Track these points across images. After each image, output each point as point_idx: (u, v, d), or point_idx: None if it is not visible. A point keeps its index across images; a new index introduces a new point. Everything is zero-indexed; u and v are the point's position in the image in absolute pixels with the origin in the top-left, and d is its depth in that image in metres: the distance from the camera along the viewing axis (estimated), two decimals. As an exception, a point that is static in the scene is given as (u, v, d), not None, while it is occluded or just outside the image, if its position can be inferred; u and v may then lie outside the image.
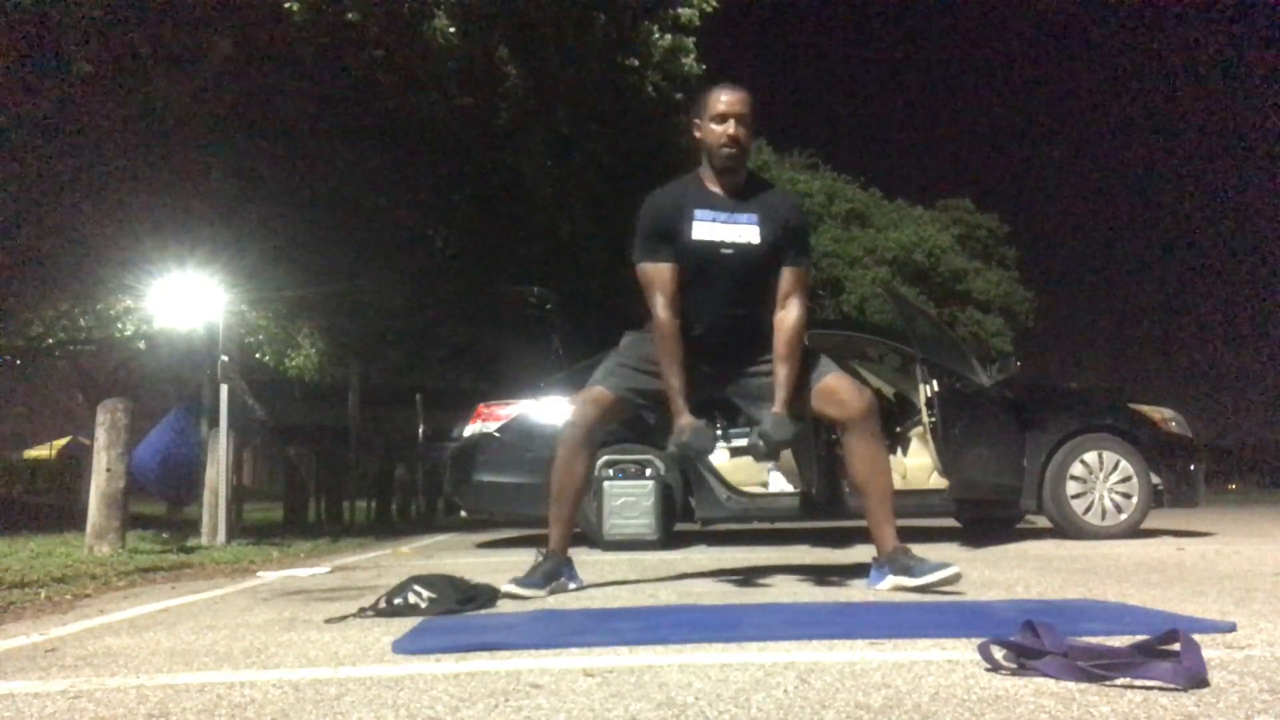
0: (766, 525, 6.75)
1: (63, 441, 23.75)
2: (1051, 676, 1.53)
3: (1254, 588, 2.69)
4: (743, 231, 2.81)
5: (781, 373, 2.79)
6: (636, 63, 9.26)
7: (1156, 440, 5.32)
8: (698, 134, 2.88)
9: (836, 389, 2.81)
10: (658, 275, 2.83)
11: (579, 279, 11.24)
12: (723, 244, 2.80)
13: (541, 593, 2.88)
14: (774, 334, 2.83)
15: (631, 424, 3.07)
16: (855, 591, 2.82)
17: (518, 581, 2.89)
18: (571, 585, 3.05)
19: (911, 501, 5.24)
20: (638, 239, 2.90)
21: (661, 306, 2.81)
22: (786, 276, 2.85)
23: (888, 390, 6.42)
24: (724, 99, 2.82)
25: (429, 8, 7.43)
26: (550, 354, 6.35)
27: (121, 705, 1.54)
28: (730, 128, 2.78)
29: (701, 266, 2.81)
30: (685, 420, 2.79)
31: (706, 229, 2.80)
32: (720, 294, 2.84)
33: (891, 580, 2.74)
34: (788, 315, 2.82)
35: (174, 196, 7.48)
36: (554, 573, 2.97)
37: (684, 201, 2.84)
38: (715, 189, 2.86)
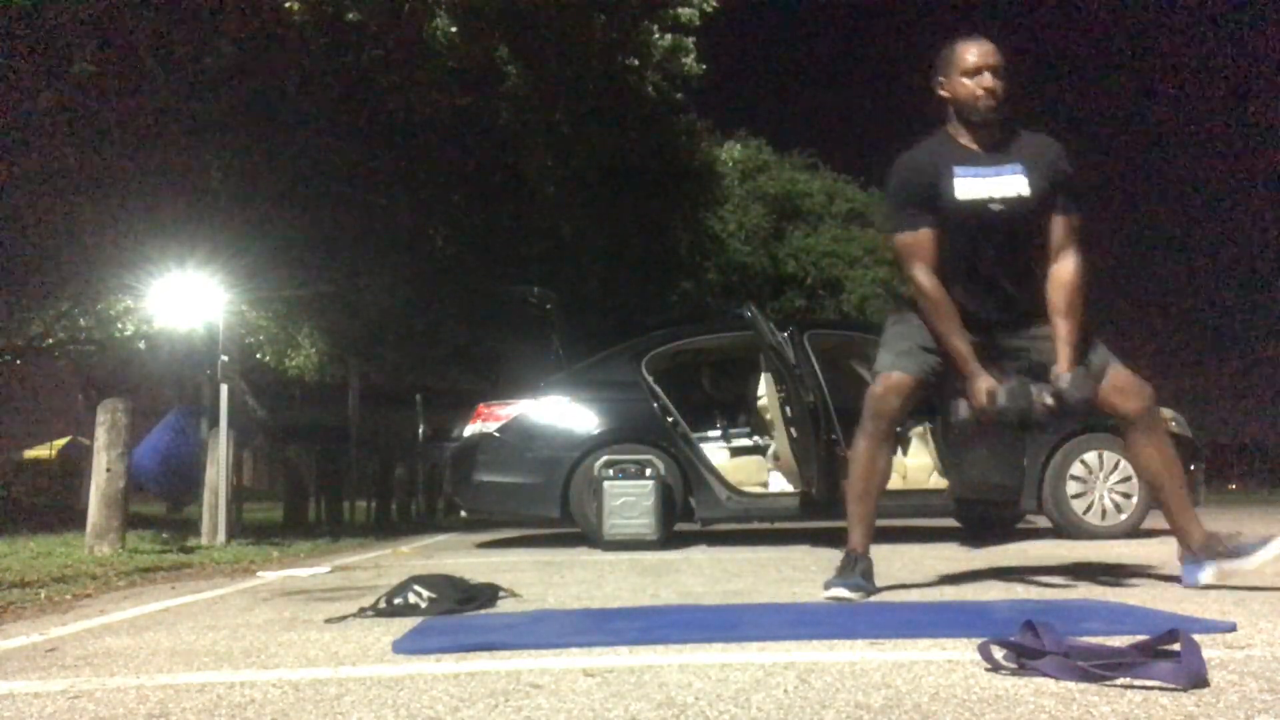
0: (766, 525, 6.75)
1: (63, 441, 23.74)
2: (1051, 676, 1.53)
3: (1254, 588, 2.69)
4: (1010, 183, 2.65)
5: (1064, 327, 2.61)
6: (636, 63, 9.26)
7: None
8: (944, 92, 2.71)
9: (1126, 383, 2.67)
10: (919, 244, 2.67)
11: (579, 279, 11.24)
12: (990, 200, 2.64)
13: (865, 593, 2.71)
14: (1050, 287, 2.66)
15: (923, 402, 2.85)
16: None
17: (845, 584, 2.70)
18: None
19: (911, 501, 5.24)
20: (889, 206, 2.76)
21: (925, 275, 2.66)
22: (1059, 226, 2.68)
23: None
24: (974, 50, 2.65)
25: (429, 8, 7.43)
26: (550, 354, 6.35)
27: (121, 705, 1.54)
28: (986, 79, 2.62)
29: (968, 227, 2.66)
30: (985, 383, 2.59)
31: (971, 186, 2.64)
32: (988, 253, 2.69)
33: (1214, 569, 2.61)
34: (1064, 266, 2.66)
35: (174, 196, 7.47)
36: (869, 572, 2.80)
37: (941, 160, 2.68)
38: (971, 144, 2.69)
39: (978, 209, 2.66)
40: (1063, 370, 2.59)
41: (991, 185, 2.66)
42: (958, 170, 2.67)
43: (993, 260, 2.71)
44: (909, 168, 2.73)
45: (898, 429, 5.92)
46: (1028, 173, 2.67)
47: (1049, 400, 2.57)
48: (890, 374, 2.77)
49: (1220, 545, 2.64)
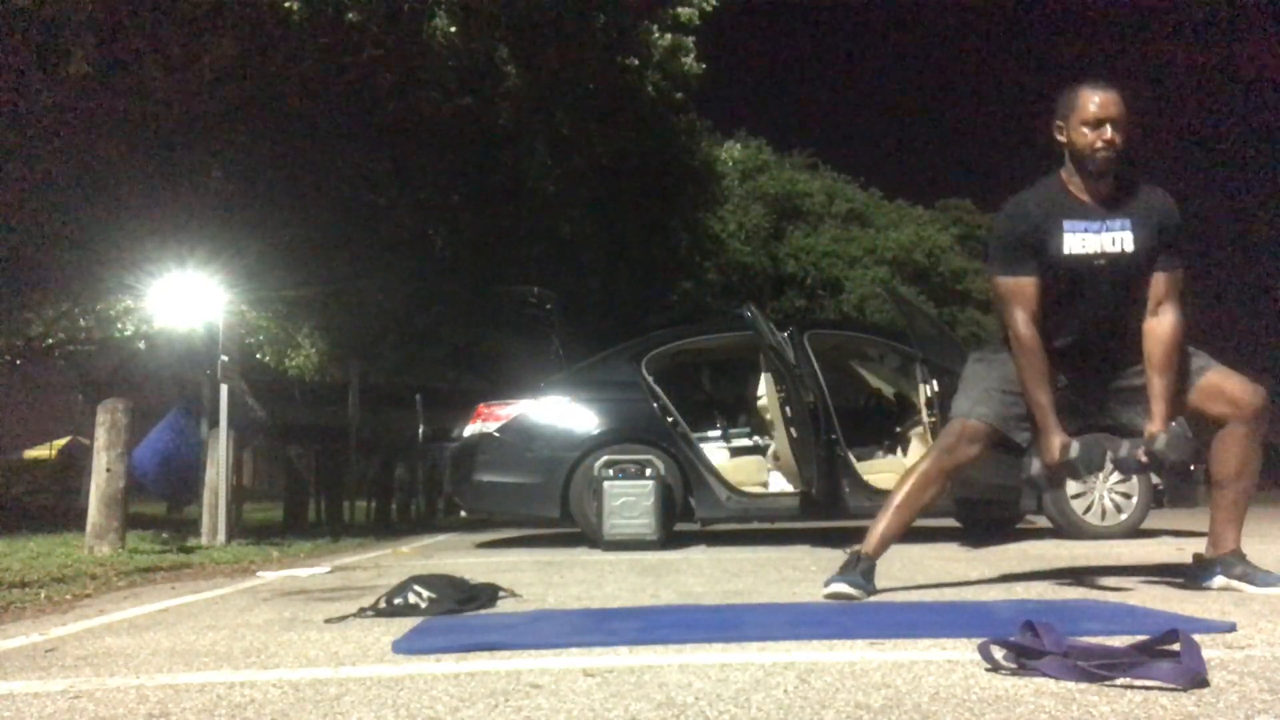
0: (766, 525, 6.75)
1: (63, 441, 23.70)
2: (1051, 676, 1.53)
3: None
4: (1116, 239, 2.64)
5: (1159, 384, 2.61)
6: (636, 62, 9.25)
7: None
8: (1061, 136, 2.69)
9: (1224, 387, 2.66)
10: (1021, 290, 2.67)
11: (579, 279, 11.24)
12: (1096, 255, 2.64)
13: (864, 592, 2.73)
14: (1147, 341, 2.64)
15: (1001, 445, 2.85)
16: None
17: (846, 580, 2.73)
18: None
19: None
20: (996, 249, 2.76)
21: (1024, 323, 2.65)
22: (1160, 281, 2.66)
23: (888, 390, 6.42)
24: (1097, 100, 2.61)
25: (429, 8, 7.42)
26: (550, 354, 6.35)
27: (121, 705, 1.54)
28: (1106, 132, 2.59)
29: (1071, 280, 2.66)
30: (1060, 439, 2.60)
31: (1079, 240, 2.64)
32: (1089, 305, 2.69)
33: (1223, 581, 2.66)
34: (1162, 321, 2.64)
35: (174, 196, 7.47)
36: (871, 572, 2.81)
37: (1052, 211, 2.66)
38: (1084, 196, 2.67)
39: (1083, 264, 2.66)
40: (1156, 429, 2.59)
41: (1098, 241, 2.65)
42: (1067, 224, 2.66)
43: (1095, 309, 2.72)
44: (1020, 214, 2.72)
45: (895, 433, 5.90)
46: (1135, 229, 2.65)
47: (1143, 458, 2.58)
48: (967, 420, 2.79)
49: (1241, 566, 2.67)
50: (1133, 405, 2.74)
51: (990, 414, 2.76)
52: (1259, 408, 2.65)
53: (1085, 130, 2.62)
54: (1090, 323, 2.73)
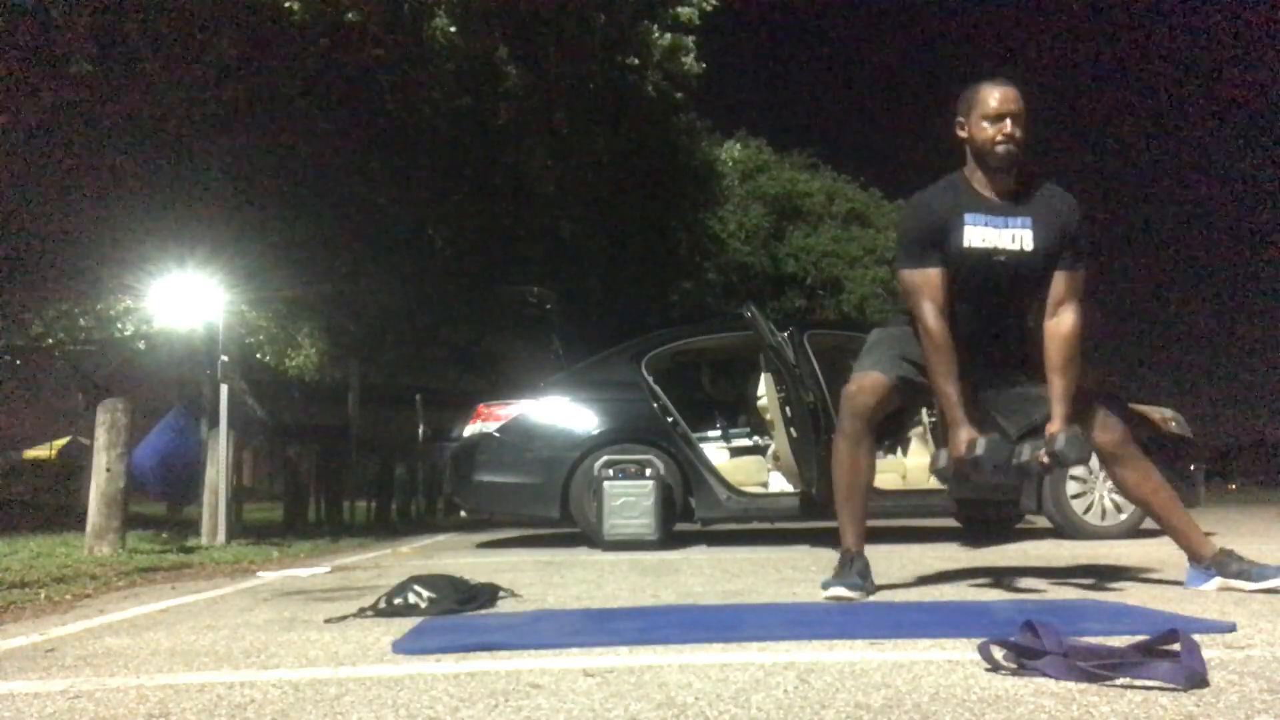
0: (766, 525, 6.75)
1: (63, 441, 23.71)
2: (1051, 676, 1.53)
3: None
4: (1016, 236, 2.66)
5: (1059, 384, 2.63)
6: (636, 62, 9.26)
7: (1156, 440, 5.32)
8: (962, 133, 2.72)
9: (1092, 420, 2.69)
10: (926, 282, 2.69)
11: (579, 279, 11.25)
12: (995, 250, 2.66)
13: (863, 591, 2.72)
14: (1047, 342, 2.67)
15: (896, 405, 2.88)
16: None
17: (843, 583, 2.71)
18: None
19: (911, 501, 5.24)
20: (901, 244, 2.77)
21: (931, 315, 2.66)
22: (1060, 281, 2.69)
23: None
24: (997, 96, 2.64)
25: (429, 8, 7.43)
26: (550, 354, 6.35)
27: (121, 705, 1.54)
28: (1006, 126, 2.62)
29: (971, 274, 2.69)
30: (967, 433, 2.62)
31: (979, 234, 2.66)
32: (988, 301, 2.73)
33: (1219, 583, 2.66)
34: (1062, 322, 2.67)
35: (174, 196, 7.47)
36: (866, 570, 2.80)
37: (953, 205, 2.69)
38: (986, 191, 2.70)
39: (982, 259, 2.68)
40: (1056, 429, 2.60)
41: (998, 236, 2.67)
42: (968, 218, 2.68)
43: (994, 306, 2.74)
44: (923, 208, 2.74)
45: (894, 433, 5.90)
46: (1035, 226, 2.67)
47: (1044, 459, 2.59)
48: (866, 373, 2.81)
49: (1237, 564, 2.67)
50: (1020, 411, 2.76)
51: (889, 369, 2.79)
52: (1123, 436, 2.72)
53: (985, 125, 2.65)
54: (988, 319, 2.76)
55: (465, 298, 10.55)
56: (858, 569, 2.78)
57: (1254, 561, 2.68)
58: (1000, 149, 2.63)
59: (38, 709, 1.53)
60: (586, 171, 10.07)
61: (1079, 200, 2.75)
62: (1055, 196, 2.73)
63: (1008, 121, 2.63)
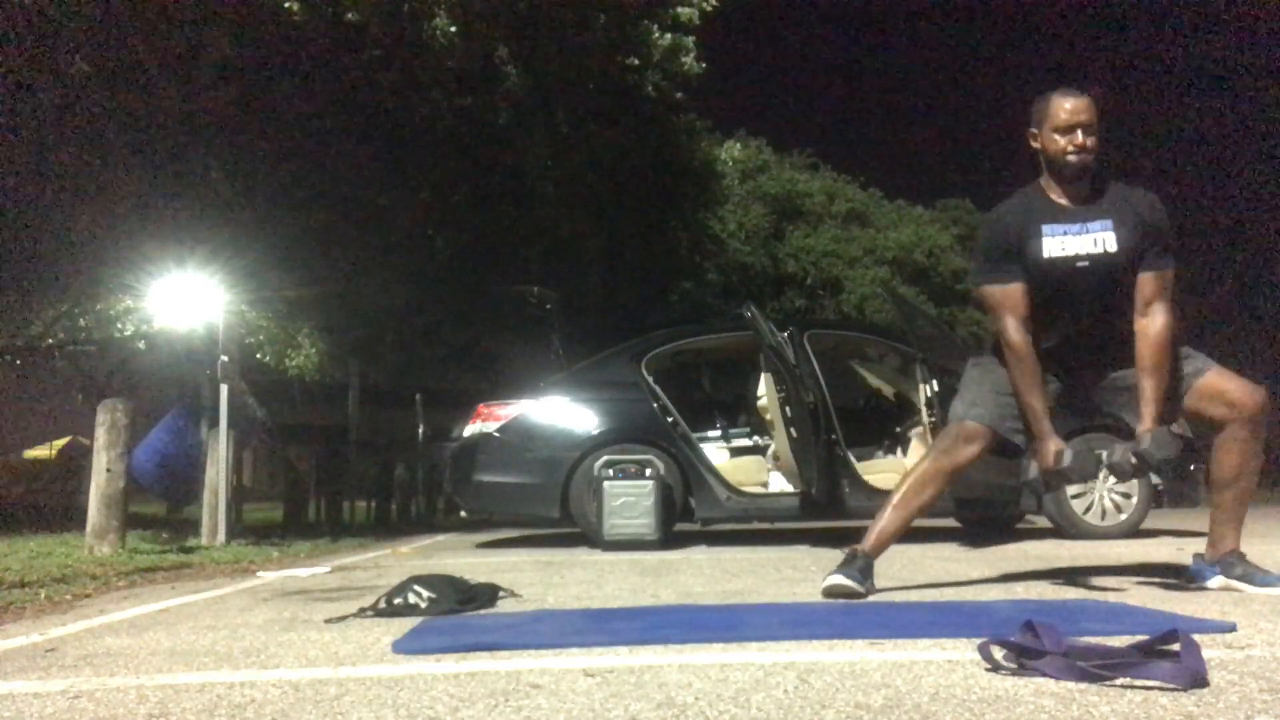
0: (766, 525, 6.75)
1: (63, 441, 23.72)
2: (1051, 676, 1.53)
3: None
4: (1098, 240, 2.65)
5: (1149, 385, 2.60)
6: (636, 62, 9.26)
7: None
8: (1035, 144, 2.72)
9: (1223, 388, 2.66)
10: (1007, 297, 2.69)
11: (579, 279, 11.24)
12: (1078, 257, 2.65)
13: (863, 588, 2.73)
14: (1137, 343, 2.64)
15: (998, 448, 2.87)
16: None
17: (843, 573, 2.73)
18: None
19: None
20: (979, 259, 2.78)
21: (1014, 329, 2.67)
22: (1147, 281, 2.65)
23: (888, 390, 6.42)
24: (1068, 106, 2.64)
25: (429, 8, 7.43)
26: (550, 354, 6.35)
27: (121, 705, 1.54)
28: (1078, 137, 2.63)
29: (1057, 284, 2.67)
30: (1054, 444, 2.63)
31: (1058, 244, 2.66)
32: (1076, 308, 2.71)
33: (1222, 581, 2.66)
34: (1152, 323, 2.63)
35: (174, 196, 7.47)
36: (869, 569, 2.81)
37: (1030, 217, 2.69)
38: (1061, 200, 2.70)
39: (1065, 267, 2.67)
40: (1146, 429, 2.59)
41: (1078, 243, 2.67)
42: (1045, 229, 2.68)
43: (1082, 311, 2.73)
44: (999, 223, 2.75)
45: (895, 433, 5.88)
46: (1117, 228, 2.66)
47: (1132, 460, 2.59)
48: (965, 423, 2.81)
49: (1241, 567, 2.68)
50: (1126, 403, 2.74)
51: (986, 415, 2.78)
52: (1258, 409, 2.64)
53: (1057, 136, 2.66)
54: (1076, 325, 2.74)
55: (465, 298, 10.54)
56: (860, 566, 2.79)
57: (1259, 566, 2.68)
58: (1073, 159, 2.65)
59: (38, 709, 1.53)
60: (586, 171, 10.06)
61: (1158, 204, 2.73)
62: (1133, 195, 2.73)
63: (1079, 133, 2.64)
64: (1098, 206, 2.69)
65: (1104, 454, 2.65)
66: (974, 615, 2.31)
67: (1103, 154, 2.69)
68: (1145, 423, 2.60)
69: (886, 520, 2.83)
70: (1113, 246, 2.65)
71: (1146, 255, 2.67)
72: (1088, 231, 2.67)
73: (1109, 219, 2.67)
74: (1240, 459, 2.68)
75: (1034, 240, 2.67)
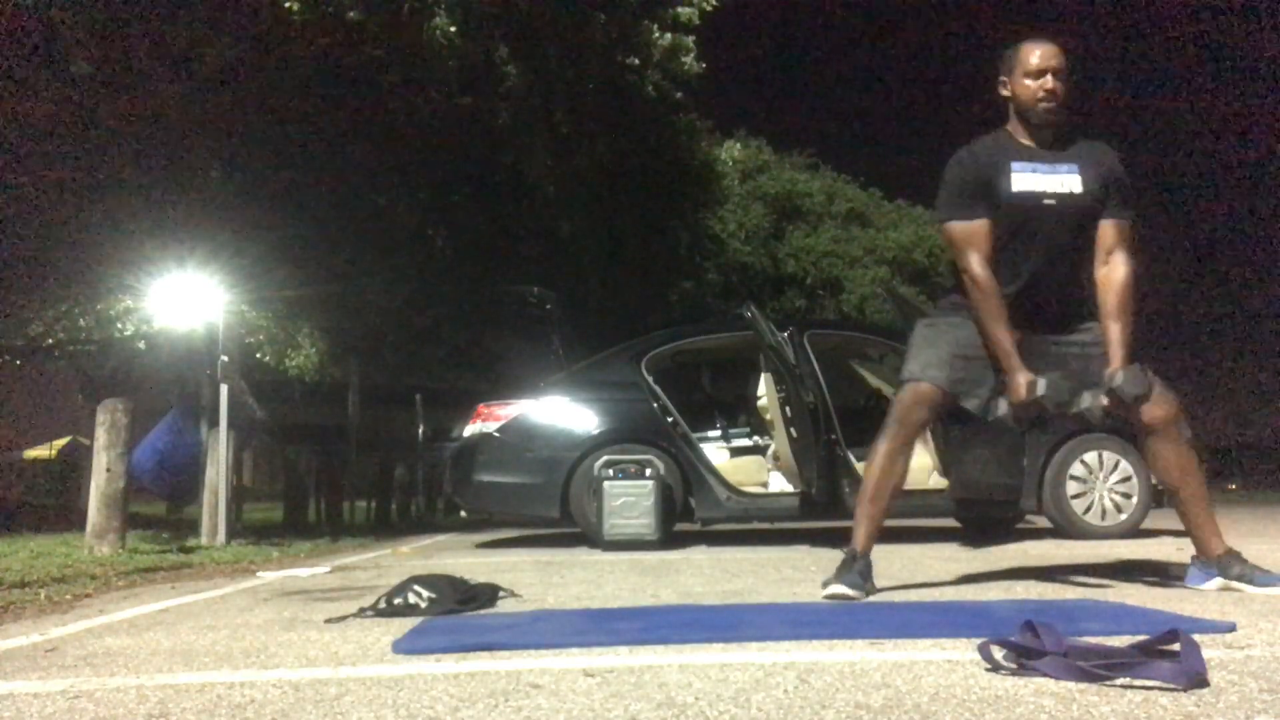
0: (766, 525, 6.75)
1: (63, 441, 23.75)
2: (1051, 676, 1.53)
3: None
4: (1064, 181, 2.70)
5: (1114, 329, 2.66)
6: (636, 62, 9.26)
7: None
8: (1005, 91, 2.77)
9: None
10: (973, 233, 2.70)
11: (579, 279, 11.24)
12: (1045, 194, 2.68)
13: (863, 591, 2.71)
14: (1100, 290, 2.70)
15: (950, 413, 2.91)
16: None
17: (844, 581, 2.70)
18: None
19: (911, 501, 5.23)
20: (945, 196, 2.79)
21: (978, 264, 2.68)
22: (1109, 230, 2.72)
23: (888, 390, 6.42)
24: (1038, 53, 2.70)
25: (429, 8, 7.43)
26: (550, 354, 6.34)
27: (121, 705, 1.54)
28: (1048, 81, 2.68)
29: (1021, 220, 2.70)
30: (1025, 376, 2.60)
31: (1027, 180, 2.69)
32: (1039, 249, 2.72)
33: (1221, 584, 2.66)
34: (1115, 270, 2.70)
35: (174, 196, 7.47)
36: (868, 571, 2.80)
37: (999, 155, 2.73)
38: (1029, 142, 2.75)
39: (1032, 202, 2.70)
40: (1116, 368, 2.62)
41: (1047, 181, 2.71)
42: (1015, 165, 2.72)
43: (1045, 254, 2.75)
44: (967, 159, 2.77)
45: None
46: (1082, 171, 2.71)
47: (1104, 400, 2.59)
48: (919, 384, 2.79)
49: (1239, 566, 2.67)
50: (1079, 363, 2.74)
51: (941, 377, 2.77)
52: (1175, 411, 2.69)
53: (1028, 81, 2.71)
54: (1040, 268, 2.75)
55: (465, 298, 10.54)
56: (859, 569, 2.78)
57: (1258, 566, 2.67)
58: (1043, 105, 2.70)
59: (38, 709, 1.53)
60: (586, 171, 10.07)
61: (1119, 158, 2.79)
62: (1095, 147, 2.80)
63: (1049, 77, 2.69)
64: (1065, 152, 2.75)
65: (1079, 396, 2.63)
66: (974, 615, 2.31)
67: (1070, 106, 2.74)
68: (1115, 362, 2.64)
69: (869, 512, 2.82)
70: (1078, 189, 2.70)
71: (1108, 205, 2.73)
72: (1055, 172, 2.72)
73: (1074, 163, 2.73)
74: (1175, 461, 2.71)
75: (1003, 176, 2.70)
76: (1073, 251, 2.75)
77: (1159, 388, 2.69)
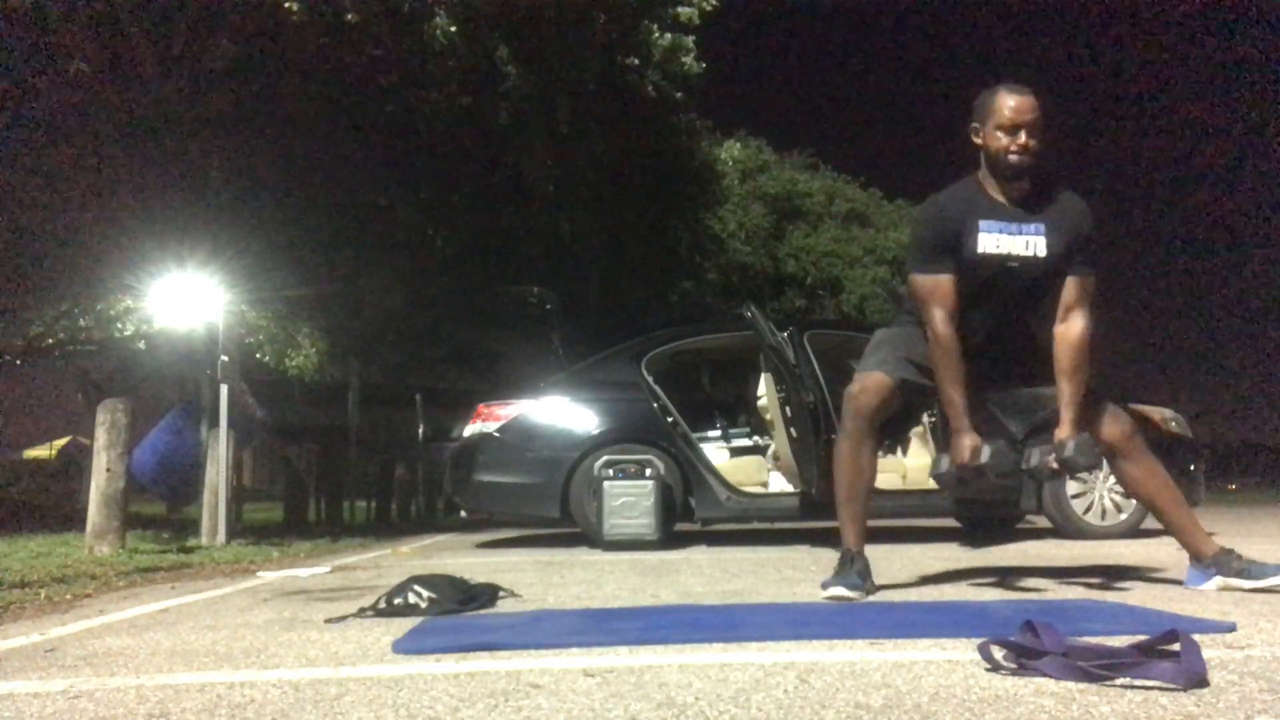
0: (766, 525, 6.75)
1: (63, 441, 23.73)
2: (1051, 676, 1.53)
3: (1255, 589, 2.69)
4: (1030, 243, 2.67)
5: (1068, 389, 2.63)
6: (636, 62, 9.26)
7: (1156, 440, 5.32)
8: (977, 139, 2.73)
9: (1091, 421, 2.70)
10: (938, 288, 2.69)
11: (579, 279, 11.25)
12: (1009, 257, 2.67)
13: (862, 591, 2.71)
14: (1056, 347, 2.68)
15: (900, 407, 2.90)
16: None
17: (843, 581, 2.69)
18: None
19: (911, 501, 5.24)
20: (914, 248, 2.79)
21: (941, 320, 2.67)
22: (1071, 286, 2.70)
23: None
24: (1011, 105, 2.64)
25: (429, 8, 7.43)
26: (550, 354, 6.34)
27: (121, 705, 1.54)
28: (1020, 137, 2.63)
29: (984, 281, 2.70)
30: (971, 440, 2.62)
31: (993, 241, 2.67)
32: (999, 306, 2.74)
33: (1220, 582, 2.66)
34: (1071, 327, 2.68)
35: (174, 196, 7.47)
36: (867, 570, 2.79)
37: (968, 211, 2.70)
38: (1000, 197, 2.71)
39: (995, 265, 2.69)
40: (1065, 435, 2.61)
41: (1012, 243, 2.68)
42: (983, 224, 2.69)
43: (1005, 311, 2.76)
44: (937, 213, 2.75)
45: (895, 433, 5.90)
46: (1049, 233, 2.68)
47: (1053, 464, 2.59)
48: (870, 374, 2.81)
49: (1234, 563, 2.67)
50: (1026, 410, 2.77)
51: (892, 370, 2.79)
52: (1131, 429, 2.72)
53: (1000, 135, 2.66)
54: (999, 323, 2.77)
55: (465, 298, 10.54)
56: (857, 569, 2.78)
57: (1254, 560, 2.68)
58: (1014, 159, 2.65)
59: (38, 709, 1.53)
60: (586, 171, 10.07)
61: (1090, 207, 2.76)
62: (1068, 202, 2.75)
63: (1022, 133, 2.63)
64: (1034, 209, 2.71)
65: (1027, 453, 2.65)
66: (974, 615, 2.31)
67: (1044, 156, 2.70)
68: (1064, 428, 2.62)
69: (851, 510, 2.83)
70: (1042, 252, 2.68)
71: (1071, 261, 2.71)
72: (1021, 233, 2.69)
73: (1042, 223, 2.70)
74: (1143, 475, 2.74)
75: (970, 235, 2.69)
76: (1034, 309, 2.76)
77: (1111, 407, 2.71)
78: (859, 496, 2.83)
